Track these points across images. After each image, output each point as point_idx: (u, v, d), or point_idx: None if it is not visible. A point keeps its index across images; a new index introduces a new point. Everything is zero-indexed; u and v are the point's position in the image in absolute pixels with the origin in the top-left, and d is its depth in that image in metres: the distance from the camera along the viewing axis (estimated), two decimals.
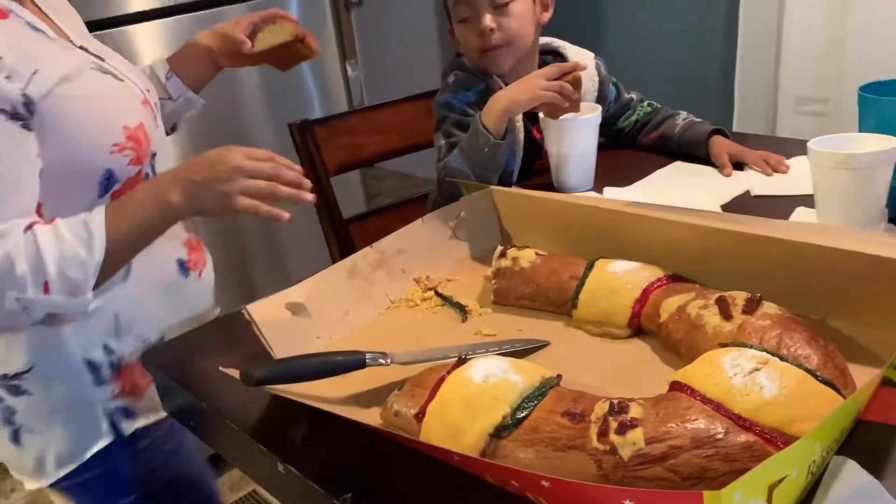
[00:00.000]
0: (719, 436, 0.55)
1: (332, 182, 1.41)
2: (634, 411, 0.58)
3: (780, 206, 1.00)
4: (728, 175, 1.16)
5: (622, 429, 0.56)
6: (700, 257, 0.79)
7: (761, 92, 2.41)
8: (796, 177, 1.09)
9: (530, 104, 1.12)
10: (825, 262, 0.72)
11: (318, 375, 0.70)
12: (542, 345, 0.77)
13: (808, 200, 0.95)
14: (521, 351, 0.76)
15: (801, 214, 0.97)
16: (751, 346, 0.63)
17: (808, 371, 0.60)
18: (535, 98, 1.11)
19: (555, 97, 1.10)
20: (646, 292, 0.77)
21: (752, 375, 0.59)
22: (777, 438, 0.55)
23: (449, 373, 0.65)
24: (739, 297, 0.69)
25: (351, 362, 0.70)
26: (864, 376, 0.62)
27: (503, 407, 0.61)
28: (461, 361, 0.66)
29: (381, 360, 0.71)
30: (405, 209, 1.45)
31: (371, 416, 0.68)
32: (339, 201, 1.42)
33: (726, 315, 0.68)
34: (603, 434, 0.56)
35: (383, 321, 0.86)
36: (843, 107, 2.31)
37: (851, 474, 0.51)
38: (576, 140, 1.14)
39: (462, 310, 0.86)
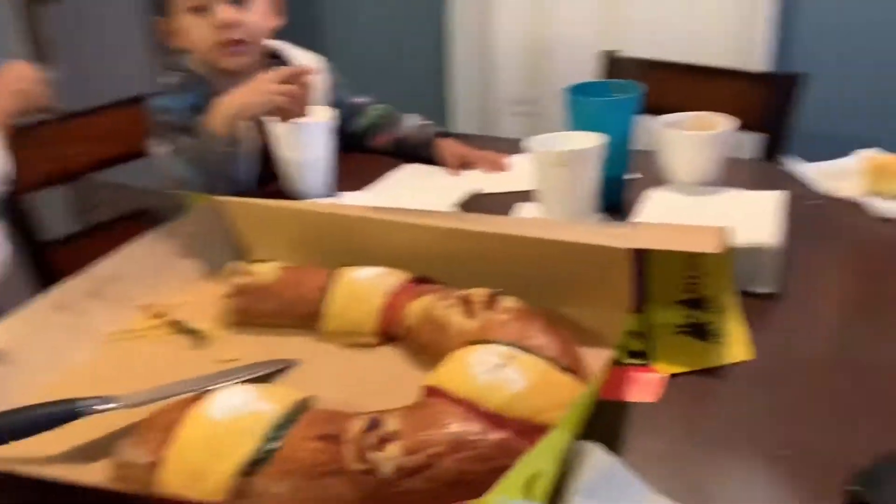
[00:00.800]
0: (474, 437, 0.55)
1: (30, 200, 1.23)
2: (391, 424, 0.56)
3: (507, 203, 1.05)
4: (456, 175, 1.20)
5: (379, 444, 0.54)
6: (442, 258, 0.80)
7: (474, 94, 2.56)
8: (518, 174, 1.16)
9: (262, 108, 1.07)
10: (551, 254, 0.76)
11: (24, 434, 0.59)
12: (291, 365, 0.73)
13: (530, 196, 1.02)
14: (269, 375, 0.71)
15: (525, 210, 1.03)
16: (496, 342, 0.65)
17: (550, 360, 0.63)
18: (268, 102, 1.06)
19: (286, 101, 1.06)
20: (392, 298, 0.76)
21: (499, 371, 0.60)
22: (528, 431, 0.57)
23: (186, 410, 0.58)
24: (480, 295, 0.71)
25: (60, 414, 0.60)
26: (595, 358, 0.66)
27: (251, 440, 0.56)
28: (200, 396, 0.60)
29: (99, 406, 0.62)
30: (122, 227, 1.31)
31: (97, 473, 0.59)
32: (41, 222, 1.24)
33: (469, 313, 0.70)
34: (360, 453, 0.54)
35: (103, 359, 0.76)
36: (551, 107, 2.54)
37: (594, 457, 0.54)
38: (311, 145, 1.11)
39: (197, 336, 0.79)
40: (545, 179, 0.94)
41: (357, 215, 0.85)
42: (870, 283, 0.86)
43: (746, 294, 0.80)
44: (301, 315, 0.79)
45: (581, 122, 0.99)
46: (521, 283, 0.73)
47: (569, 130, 1.00)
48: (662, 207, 0.93)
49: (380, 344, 0.76)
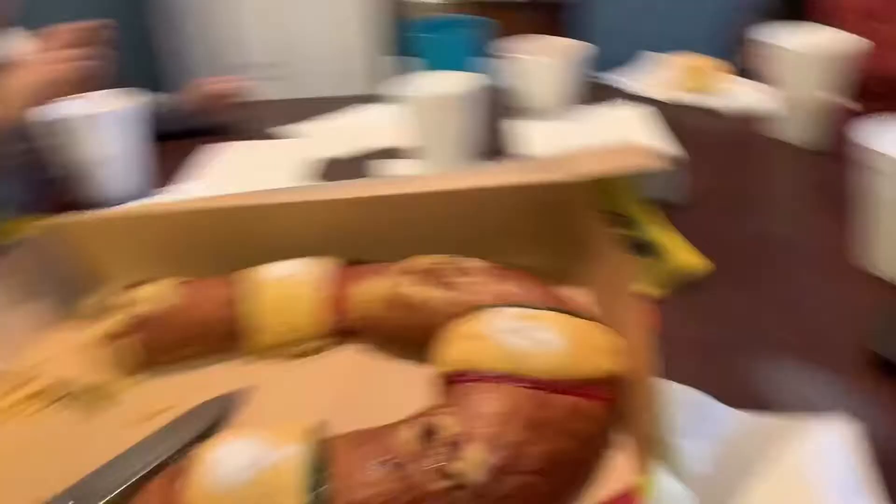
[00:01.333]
0: (547, 411, 0.49)
1: None
2: (448, 426, 0.48)
3: (369, 164, 0.96)
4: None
5: (454, 452, 0.46)
6: (367, 233, 0.70)
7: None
8: (365, 130, 1.07)
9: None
10: (489, 202, 0.70)
11: None
12: (241, 397, 0.60)
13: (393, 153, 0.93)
14: (221, 415, 0.57)
15: (398, 167, 0.95)
16: (499, 306, 0.58)
17: (565, 312, 0.58)
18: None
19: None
20: (331, 288, 0.65)
21: (529, 334, 0.54)
22: (592, 389, 0.52)
23: (174, 495, 0.44)
24: (444, 262, 0.63)
25: None
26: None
27: (292, 499, 0.44)
28: (178, 470, 0.46)
29: None
30: None
31: None
32: None
33: (444, 285, 0.62)
34: (437, 470, 0.45)
35: None
36: (298, 67, 2.41)
37: (679, 394, 0.51)
38: (114, 137, 0.91)
39: (91, 396, 0.61)
40: (429, 126, 0.87)
41: (247, 204, 0.71)
42: (744, 173, 0.92)
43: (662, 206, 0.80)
44: (219, 337, 0.65)
45: (438, 61, 0.92)
46: (459, 241, 0.66)
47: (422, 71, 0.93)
48: (545, 137, 0.90)
49: (336, 344, 0.65)
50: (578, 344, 0.53)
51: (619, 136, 0.84)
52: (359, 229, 0.70)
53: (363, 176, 0.90)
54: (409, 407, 0.51)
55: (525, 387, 0.51)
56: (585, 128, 0.92)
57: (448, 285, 0.62)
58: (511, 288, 0.61)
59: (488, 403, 0.49)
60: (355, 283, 0.66)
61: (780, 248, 0.75)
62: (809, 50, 0.90)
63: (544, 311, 0.57)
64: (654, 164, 0.71)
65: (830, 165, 0.91)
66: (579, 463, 0.49)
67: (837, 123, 0.95)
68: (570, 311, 0.59)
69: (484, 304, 0.59)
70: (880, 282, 0.68)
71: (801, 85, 0.91)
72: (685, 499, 0.43)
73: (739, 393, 0.56)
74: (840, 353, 0.60)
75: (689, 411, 0.50)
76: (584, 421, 0.50)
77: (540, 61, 0.98)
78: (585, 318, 0.58)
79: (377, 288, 0.64)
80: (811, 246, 0.75)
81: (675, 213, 0.80)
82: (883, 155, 0.64)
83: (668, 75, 1.17)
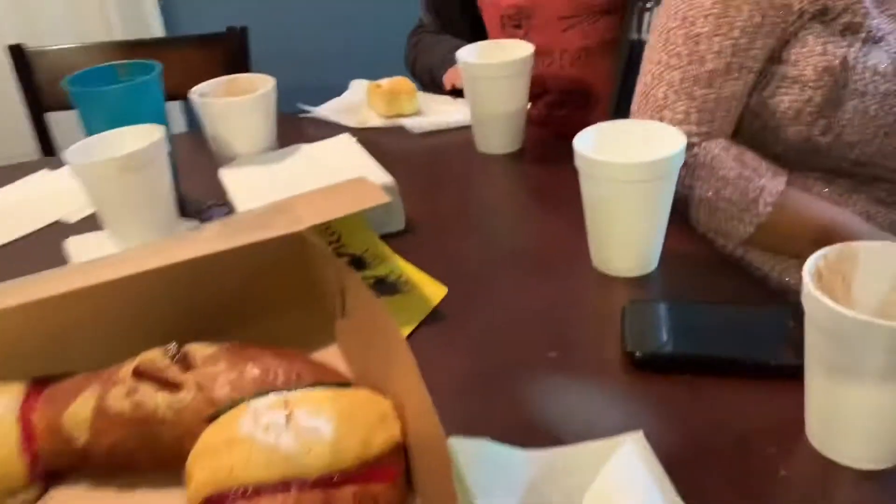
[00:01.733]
0: None
1: None
2: None
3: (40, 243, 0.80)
4: None
5: None
6: (60, 336, 0.57)
7: None
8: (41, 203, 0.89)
9: None
10: (207, 274, 0.60)
11: None
12: None
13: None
14: None
15: (80, 243, 0.80)
16: (242, 400, 0.49)
17: (321, 385, 0.51)
18: None
19: None
20: (23, 423, 0.51)
21: (290, 426, 0.46)
22: (372, 470, 0.45)
23: None
24: (155, 360, 0.53)
25: None
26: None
27: None
28: None
29: None
30: None
31: None
32: None
33: (170, 386, 0.52)
34: None
35: None
36: None
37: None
38: None
39: None
40: (110, 194, 0.74)
41: None
42: (456, 190, 0.92)
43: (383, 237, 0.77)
44: None
45: (102, 118, 0.79)
46: (185, 323, 0.56)
47: (91, 133, 0.79)
48: (253, 184, 0.82)
49: (36, 498, 0.51)
50: (349, 424, 0.47)
51: (334, 171, 0.79)
52: (47, 333, 0.56)
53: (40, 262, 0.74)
54: None
55: (303, 491, 0.43)
56: (296, 168, 0.85)
57: (174, 386, 0.51)
58: (254, 371, 0.53)
59: None
60: (53, 407, 0.52)
61: (514, 261, 0.75)
62: (490, 61, 0.93)
63: (303, 392, 0.49)
64: (381, 199, 0.67)
65: (536, 171, 0.95)
66: None
67: (532, 129, 1.00)
68: (331, 382, 0.52)
69: (227, 399, 0.50)
70: (619, 280, 0.70)
71: (487, 96, 0.94)
72: None
73: (520, 425, 0.54)
74: (599, 359, 0.61)
75: (483, 466, 0.46)
76: None
77: (229, 102, 0.89)
78: (348, 387, 0.51)
79: (81, 409, 0.51)
80: (546, 254, 0.77)
81: (399, 242, 0.77)
82: (587, 157, 0.66)
83: (363, 100, 1.15)
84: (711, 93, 0.76)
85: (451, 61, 1.08)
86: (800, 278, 0.73)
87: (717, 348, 0.58)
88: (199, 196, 0.87)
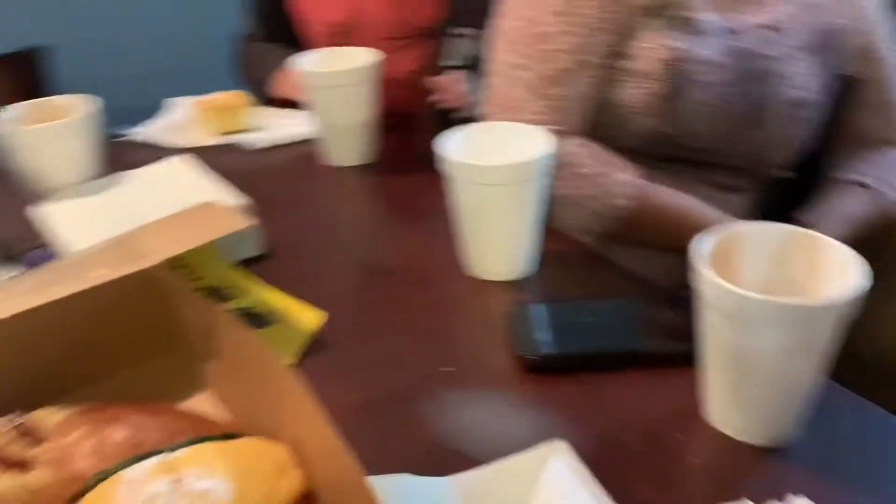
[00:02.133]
0: None
1: None
2: None
3: None
4: None
5: None
6: None
7: None
8: None
9: None
10: (47, 326, 0.52)
11: None
12: None
13: None
14: None
15: None
16: (113, 471, 0.42)
17: (205, 440, 0.45)
18: None
19: None
20: None
21: (180, 492, 0.40)
22: None
23: None
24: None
25: None
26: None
27: None
28: None
29: None
30: None
31: None
32: None
33: (22, 464, 0.44)
34: None
35: None
36: None
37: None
38: None
39: None
40: None
41: None
42: (314, 207, 0.87)
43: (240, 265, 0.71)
44: None
45: None
46: (26, 387, 0.48)
47: None
48: (80, 223, 0.73)
49: None
50: (247, 479, 0.42)
51: (176, 197, 0.71)
52: None
53: None
54: None
55: None
56: (129, 196, 0.76)
57: (21, 465, 0.43)
58: (120, 433, 0.46)
59: None
60: None
61: (388, 277, 0.72)
62: (333, 69, 0.89)
63: (185, 451, 0.43)
64: (239, 223, 0.61)
65: (394, 181, 0.92)
66: None
67: (385, 138, 0.97)
68: (215, 435, 0.46)
69: (93, 471, 0.43)
70: (498, 285, 0.69)
71: (335, 106, 0.90)
72: None
73: (430, 450, 0.51)
74: (493, 367, 0.59)
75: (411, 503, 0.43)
76: None
77: (43, 129, 0.79)
78: (235, 438, 0.46)
79: None
80: (419, 266, 0.74)
81: (260, 269, 0.71)
82: (457, 162, 0.64)
83: (195, 118, 1.06)
84: (564, 91, 0.77)
85: (283, 70, 1.03)
86: (663, 269, 0.76)
87: (609, 344, 0.58)
88: (9, 239, 0.75)
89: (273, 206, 0.79)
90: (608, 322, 0.60)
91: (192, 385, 0.55)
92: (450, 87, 1.07)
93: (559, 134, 0.77)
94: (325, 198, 0.89)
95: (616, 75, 0.79)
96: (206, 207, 0.65)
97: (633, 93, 0.78)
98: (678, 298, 0.61)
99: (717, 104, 0.78)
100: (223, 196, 0.75)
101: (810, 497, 0.44)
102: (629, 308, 0.62)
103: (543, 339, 0.59)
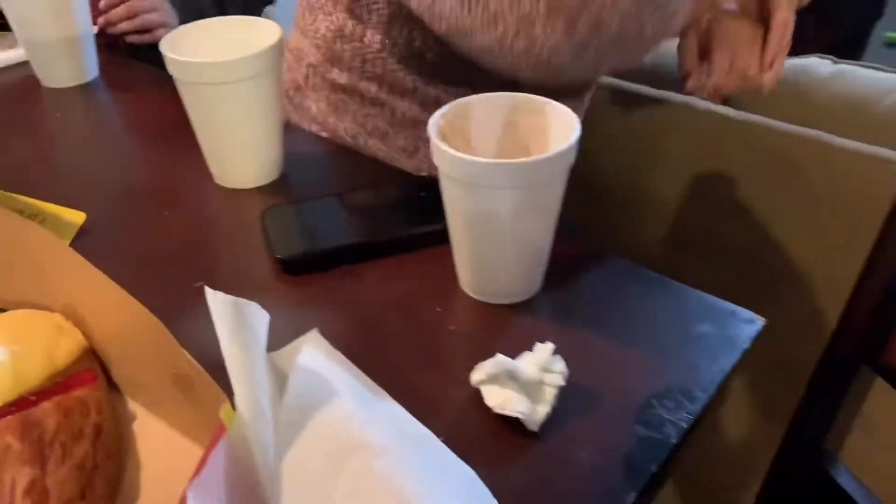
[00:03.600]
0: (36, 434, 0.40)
1: None
2: None
3: None
4: None
5: None
6: None
7: None
8: None
9: None
10: None
11: None
12: None
13: None
14: None
15: None
16: None
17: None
18: None
19: None
20: None
21: None
22: (67, 380, 0.43)
23: None
24: None
25: None
26: None
27: None
28: None
29: None
30: None
31: None
32: None
33: None
34: None
35: None
36: None
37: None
38: None
39: None
40: None
41: None
42: (38, 134, 0.78)
43: None
44: None
45: None
46: None
47: None
48: None
49: None
50: (23, 343, 0.44)
51: None
52: None
53: None
54: None
55: None
56: None
57: None
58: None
59: None
60: None
61: (138, 198, 0.68)
62: None
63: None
64: None
65: (120, 98, 0.85)
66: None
67: (103, 54, 0.89)
68: None
69: None
70: (248, 192, 0.67)
71: (36, 20, 0.81)
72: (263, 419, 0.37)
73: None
74: (253, 273, 0.58)
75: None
76: (77, 416, 0.41)
77: None
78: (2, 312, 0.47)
79: None
80: (166, 183, 0.71)
81: None
82: (182, 62, 0.60)
83: None
84: None
85: None
86: (413, 166, 0.77)
87: (363, 234, 0.60)
88: None
89: None
90: (361, 214, 0.61)
91: None
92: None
93: None
94: (48, 123, 0.81)
95: None
96: None
97: None
98: (426, 185, 0.63)
99: None
100: None
101: (555, 342, 0.48)
102: (380, 197, 0.63)
103: (298, 238, 0.59)
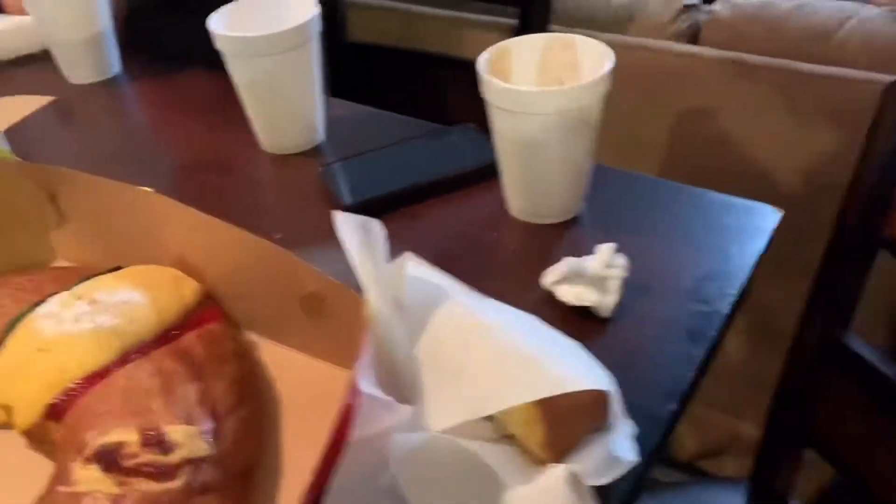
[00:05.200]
0: (190, 357, 0.46)
1: None
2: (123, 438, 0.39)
3: None
4: None
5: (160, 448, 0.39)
6: None
7: None
8: None
9: None
10: None
11: None
12: None
13: None
14: None
15: None
16: (20, 318, 0.45)
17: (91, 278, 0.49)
18: None
19: None
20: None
21: (102, 307, 0.45)
22: (198, 315, 0.49)
23: None
24: None
25: None
26: None
27: None
28: None
29: None
30: None
31: None
32: None
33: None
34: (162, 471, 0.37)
35: None
36: None
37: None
38: None
39: None
40: None
41: None
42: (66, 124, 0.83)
43: None
44: None
45: None
46: None
47: None
48: None
49: None
50: (154, 287, 0.48)
51: None
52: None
53: None
54: None
55: (147, 355, 0.44)
56: None
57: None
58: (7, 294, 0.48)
59: (131, 396, 0.41)
60: None
61: (192, 173, 0.74)
62: None
63: (87, 283, 0.48)
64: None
65: (150, 92, 0.90)
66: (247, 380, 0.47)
67: (129, 50, 0.93)
68: (101, 272, 0.50)
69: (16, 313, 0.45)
70: (296, 157, 0.74)
71: (60, 19, 0.85)
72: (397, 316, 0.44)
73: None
74: (320, 225, 0.64)
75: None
76: (219, 344, 0.47)
77: None
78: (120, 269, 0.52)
79: None
80: (218, 157, 0.76)
81: None
82: (222, 36, 0.67)
83: None
84: None
85: None
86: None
87: (418, 176, 0.67)
88: None
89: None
90: (411, 161, 0.68)
91: (38, 258, 0.56)
92: None
93: None
94: (85, 117, 0.85)
95: None
96: None
97: None
98: (466, 128, 0.70)
99: None
100: None
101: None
102: (428, 143, 0.70)
103: (362, 186, 0.66)
